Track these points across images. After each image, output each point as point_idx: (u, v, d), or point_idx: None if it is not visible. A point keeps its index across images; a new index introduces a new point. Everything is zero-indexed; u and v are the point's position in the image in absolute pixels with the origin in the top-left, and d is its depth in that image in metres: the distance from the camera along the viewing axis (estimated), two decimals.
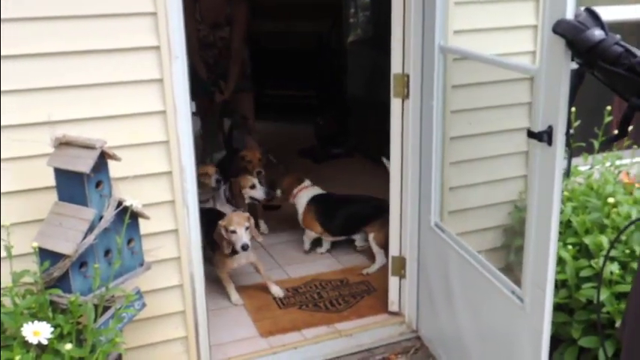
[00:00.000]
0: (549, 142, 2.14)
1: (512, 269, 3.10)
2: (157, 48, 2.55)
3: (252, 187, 4.37)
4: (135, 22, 2.50)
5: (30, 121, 2.42)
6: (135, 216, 2.42)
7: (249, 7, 4.93)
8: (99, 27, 2.44)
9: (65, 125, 2.42)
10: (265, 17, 7.14)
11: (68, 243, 2.20)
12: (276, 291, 3.90)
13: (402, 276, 3.50)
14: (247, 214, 3.76)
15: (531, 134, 2.20)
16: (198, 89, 5.02)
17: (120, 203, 2.32)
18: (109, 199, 2.31)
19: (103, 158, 2.28)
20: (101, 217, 2.29)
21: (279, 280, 4.09)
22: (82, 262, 2.27)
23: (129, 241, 2.44)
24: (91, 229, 2.24)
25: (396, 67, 3.20)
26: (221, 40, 4.93)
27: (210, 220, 4.08)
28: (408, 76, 3.16)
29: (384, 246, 3.86)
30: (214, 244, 3.80)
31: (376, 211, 4.11)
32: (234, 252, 3.70)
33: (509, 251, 3.28)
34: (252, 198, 4.38)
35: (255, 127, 5.36)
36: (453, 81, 3.05)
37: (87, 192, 2.25)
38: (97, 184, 2.29)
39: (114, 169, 2.38)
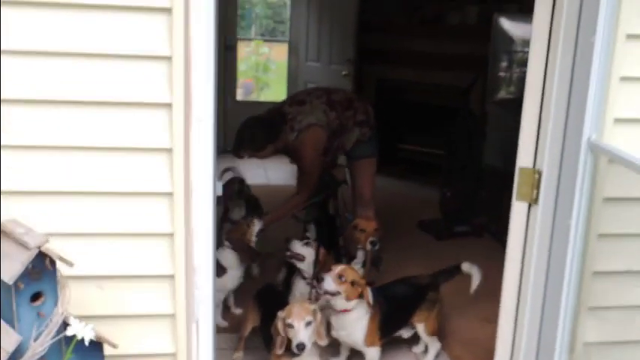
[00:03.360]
0: None
1: None
2: (169, 105, 1.82)
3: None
4: (143, 67, 1.79)
5: None
6: (97, 343, 1.69)
7: (308, 140, 3.97)
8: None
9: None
10: (402, 64, 6.41)
11: None
12: None
13: None
14: (313, 307, 2.88)
15: None
16: None
17: (66, 325, 1.60)
18: (50, 320, 1.59)
19: (44, 262, 1.57)
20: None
21: None
22: None
23: None
24: None
25: (523, 159, 2.26)
26: None
27: (266, 301, 3.26)
28: (539, 174, 2.21)
29: (437, 332, 3.36)
30: (269, 338, 2.98)
31: (419, 296, 3.33)
32: (289, 351, 2.85)
33: None
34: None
35: (373, 204, 4.31)
36: (605, 191, 2.06)
37: (14, 307, 1.54)
38: (34, 298, 1.58)
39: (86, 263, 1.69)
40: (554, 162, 2.14)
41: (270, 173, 6.93)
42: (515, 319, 2.34)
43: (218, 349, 3.40)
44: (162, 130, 1.82)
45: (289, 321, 2.75)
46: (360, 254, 3.71)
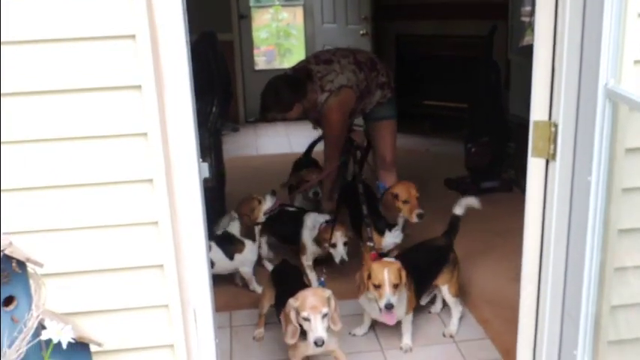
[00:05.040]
0: None
1: None
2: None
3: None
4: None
5: None
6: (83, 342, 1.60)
7: (339, 104, 3.83)
8: None
9: None
10: (420, 18, 6.15)
11: None
12: None
13: None
14: (328, 293, 2.69)
15: None
16: None
17: (43, 327, 1.51)
18: (24, 324, 1.50)
19: (11, 265, 1.47)
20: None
21: None
22: None
23: None
24: None
25: (537, 111, 2.07)
26: None
27: (280, 279, 3.12)
28: (556, 127, 2.02)
29: (459, 293, 3.30)
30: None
31: (442, 257, 3.24)
32: (304, 335, 2.71)
33: None
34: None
35: (395, 167, 4.21)
36: (627, 141, 1.87)
37: None
38: (7, 302, 1.49)
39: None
40: (571, 113, 1.94)
41: (293, 141, 6.80)
42: (539, 284, 2.18)
43: (240, 325, 3.33)
44: (141, 157, 1.73)
45: (305, 314, 2.56)
46: (400, 221, 3.57)
